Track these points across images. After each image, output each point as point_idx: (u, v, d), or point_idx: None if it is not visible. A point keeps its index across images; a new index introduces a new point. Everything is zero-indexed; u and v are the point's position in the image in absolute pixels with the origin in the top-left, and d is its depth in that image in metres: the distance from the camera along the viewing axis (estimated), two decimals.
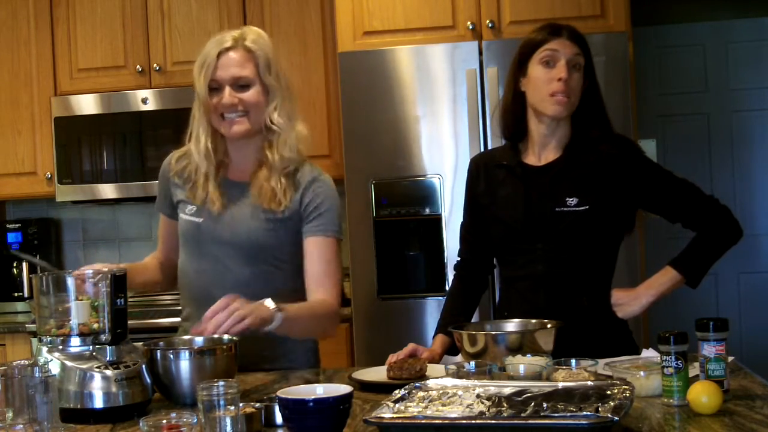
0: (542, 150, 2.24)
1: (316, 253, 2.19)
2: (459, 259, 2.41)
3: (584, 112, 2.21)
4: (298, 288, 2.23)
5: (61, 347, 1.81)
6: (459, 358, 2.05)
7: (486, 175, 2.31)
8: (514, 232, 2.22)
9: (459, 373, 1.74)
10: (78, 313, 1.83)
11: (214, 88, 2.18)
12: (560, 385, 1.56)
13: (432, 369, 2.01)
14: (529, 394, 1.51)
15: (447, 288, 3.07)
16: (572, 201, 2.15)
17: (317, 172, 2.26)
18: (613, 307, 2.21)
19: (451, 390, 1.57)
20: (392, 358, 2.08)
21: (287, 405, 1.49)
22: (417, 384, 1.61)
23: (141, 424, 1.45)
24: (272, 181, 2.19)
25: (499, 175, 2.28)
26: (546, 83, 2.16)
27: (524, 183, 2.22)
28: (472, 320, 2.38)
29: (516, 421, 1.40)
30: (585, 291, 2.20)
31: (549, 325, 1.99)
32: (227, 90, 2.16)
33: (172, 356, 1.87)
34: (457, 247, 2.43)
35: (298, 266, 2.23)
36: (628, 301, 2.21)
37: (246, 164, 2.25)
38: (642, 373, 1.77)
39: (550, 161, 2.22)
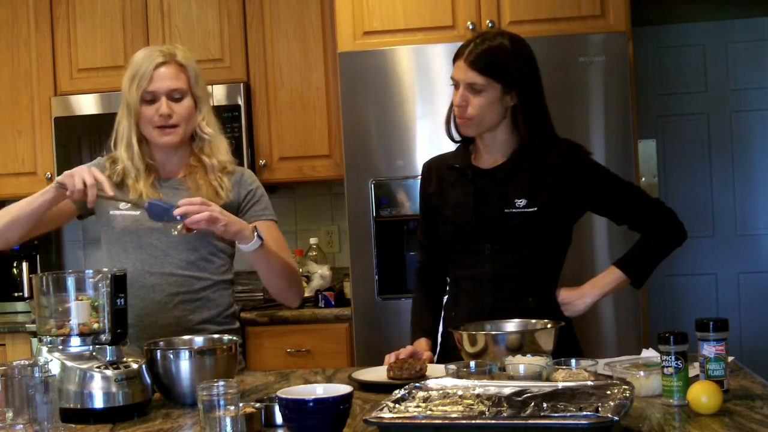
0: (490, 154, 2.27)
1: (268, 234, 2.27)
2: (419, 264, 2.43)
3: (525, 120, 2.21)
4: (231, 279, 2.38)
5: (61, 347, 1.82)
6: None
7: (438, 177, 2.35)
8: (463, 233, 2.25)
9: (459, 373, 1.74)
10: (78, 313, 1.83)
11: (148, 99, 2.27)
12: (560, 385, 1.56)
13: (432, 369, 2.01)
14: (529, 394, 1.51)
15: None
16: (521, 202, 2.19)
17: (242, 168, 2.42)
18: (561, 306, 2.23)
19: (451, 390, 1.57)
20: (390, 357, 2.08)
21: (287, 405, 1.49)
22: (417, 384, 1.61)
23: None
24: (211, 180, 2.30)
25: (450, 177, 2.31)
26: (455, 105, 2.23)
27: (474, 185, 2.25)
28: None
29: (516, 421, 1.40)
30: (531, 291, 2.22)
31: (549, 325, 1.99)
32: (164, 101, 2.26)
33: (172, 356, 1.87)
34: None
35: (232, 256, 2.37)
36: (574, 300, 2.23)
37: (173, 167, 2.35)
38: (642, 373, 1.77)
39: (499, 164, 2.25)
